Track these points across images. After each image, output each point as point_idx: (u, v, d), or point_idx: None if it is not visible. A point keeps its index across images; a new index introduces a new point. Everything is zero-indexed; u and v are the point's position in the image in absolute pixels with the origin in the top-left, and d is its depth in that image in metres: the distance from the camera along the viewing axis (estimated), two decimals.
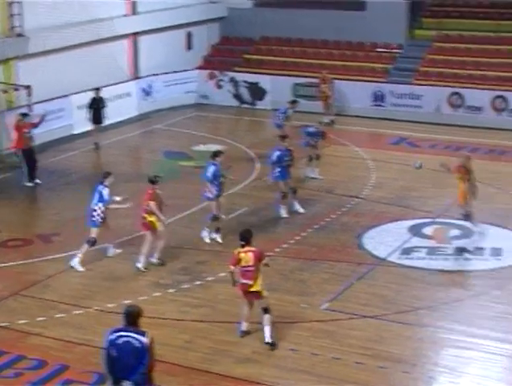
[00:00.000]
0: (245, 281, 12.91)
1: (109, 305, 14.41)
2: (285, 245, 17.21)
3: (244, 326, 13.31)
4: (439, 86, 27.95)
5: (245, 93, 30.50)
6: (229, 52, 32.36)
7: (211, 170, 17.20)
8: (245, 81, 30.38)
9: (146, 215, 16.03)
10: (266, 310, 12.99)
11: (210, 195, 17.38)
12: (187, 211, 19.25)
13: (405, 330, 13.63)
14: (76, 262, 16.13)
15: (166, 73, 30.07)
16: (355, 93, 28.60)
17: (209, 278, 15.61)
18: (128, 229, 17.64)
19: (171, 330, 13.60)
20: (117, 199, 16.29)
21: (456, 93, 27.48)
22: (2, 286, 15.33)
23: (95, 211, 16.14)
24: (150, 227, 16.06)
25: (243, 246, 12.96)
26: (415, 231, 18.01)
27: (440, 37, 30.04)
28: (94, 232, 16.20)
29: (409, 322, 13.90)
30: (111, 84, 27.61)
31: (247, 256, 12.85)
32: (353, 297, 14.79)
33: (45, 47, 25.22)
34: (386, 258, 16.60)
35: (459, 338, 13.35)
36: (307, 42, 31.53)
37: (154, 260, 16.29)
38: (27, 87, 23.52)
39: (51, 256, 16.75)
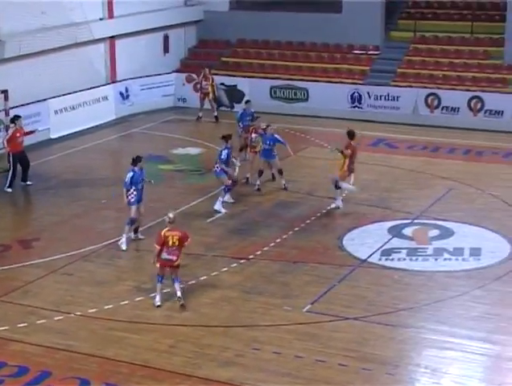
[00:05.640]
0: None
1: (91, 311, 14.35)
2: (266, 248, 17.18)
3: None
4: (416, 87, 28.10)
5: (223, 96, 30.46)
6: (206, 55, 32.27)
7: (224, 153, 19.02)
8: (223, 84, 30.35)
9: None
10: None
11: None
12: None
13: (387, 332, 13.66)
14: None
15: (143, 77, 29.97)
16: (332, 95, 28.58)
17: (191, 282, 15.55)
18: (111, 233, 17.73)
19: (156, 335, 13.58)
20: None
21: (433, 94, 27.60)
22: None
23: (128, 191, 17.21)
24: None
25: None
26: (395, 232, 18.06)
27: (416, 38, 30.19)
28: (133, 212, 17.21)
29: (391, 324, 13.93)
30: (88, 88, 27.51)
31: None
32: (336, 299, 14.80)
33: (21, 51, 25.00)
34: (366, 260, 16.65)
35: (441, 339, 13.40)
36: (284, 44, 31.50)
37: None
38: (4, 91, 23.26)
39: (31, 262, 16.63)
